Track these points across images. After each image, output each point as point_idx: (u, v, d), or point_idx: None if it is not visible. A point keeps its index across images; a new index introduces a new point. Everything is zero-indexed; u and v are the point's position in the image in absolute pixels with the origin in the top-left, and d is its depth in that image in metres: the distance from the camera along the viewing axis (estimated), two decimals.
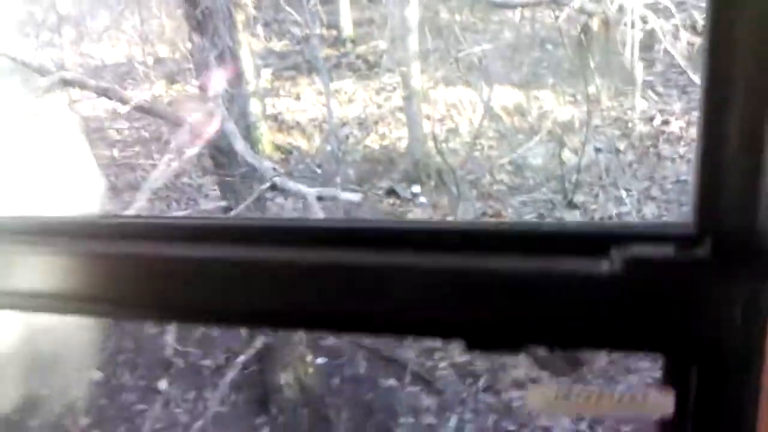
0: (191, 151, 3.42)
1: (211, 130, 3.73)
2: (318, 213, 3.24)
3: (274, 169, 3.62)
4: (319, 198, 3.12)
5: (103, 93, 4.20)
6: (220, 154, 3.82)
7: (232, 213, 3.55)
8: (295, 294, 0.69)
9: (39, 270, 0.87)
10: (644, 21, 3.18)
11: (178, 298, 0.76)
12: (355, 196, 3.11)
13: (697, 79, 3.96)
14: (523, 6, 4.01)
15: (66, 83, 4.33)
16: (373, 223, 1.01)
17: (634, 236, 0.59)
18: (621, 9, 3.11)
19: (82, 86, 4.21)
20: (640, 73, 6.23)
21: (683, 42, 3.38)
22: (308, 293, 0.68)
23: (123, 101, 4.08)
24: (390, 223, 1.00)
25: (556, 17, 3.96)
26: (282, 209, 3.68)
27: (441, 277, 0.64)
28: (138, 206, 3.47)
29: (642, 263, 0.57)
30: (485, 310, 0.63)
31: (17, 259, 0.89)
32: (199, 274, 0.74)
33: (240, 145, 3.85)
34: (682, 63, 3.62)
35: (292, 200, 3.47)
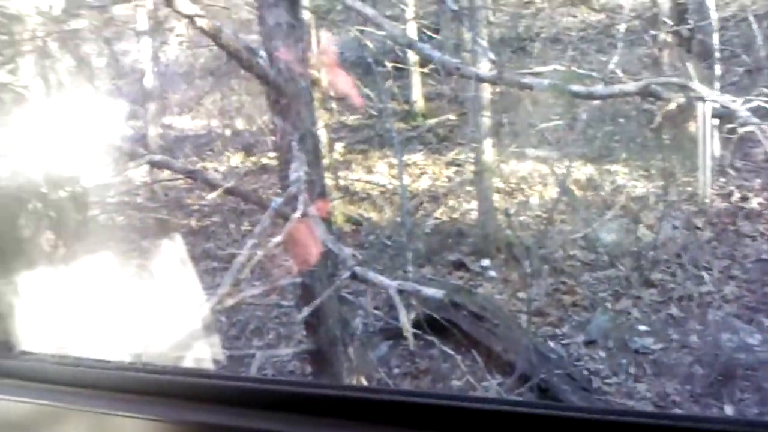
0: (276, 240, 3.49)
1: (294, 216, 3.79)
2: (398, 305, 3.24)
3: (354, 256, 3.65)
4: (400, 291, 3.12)
5: (190, 175, 4.35)
6: None
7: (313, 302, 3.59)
8: None
9: None
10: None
11: None
12: (437, 292, 3.10)
13: None
14: (607, 98, 4.02)
15: (154, 165, 4.52)
16: None
17: None
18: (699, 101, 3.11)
19: (169, 168, 4.36)
20: (716, 147, 6.12)
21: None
22: None
23: (209, 185, 4.21)
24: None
25: (637, 107, 3.97)
26: (359, 297, 3.70)
27: None
28: (221, 292, 3.54)
29: None
30: None
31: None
32: None
33: (320, 230, 3.91)
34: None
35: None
